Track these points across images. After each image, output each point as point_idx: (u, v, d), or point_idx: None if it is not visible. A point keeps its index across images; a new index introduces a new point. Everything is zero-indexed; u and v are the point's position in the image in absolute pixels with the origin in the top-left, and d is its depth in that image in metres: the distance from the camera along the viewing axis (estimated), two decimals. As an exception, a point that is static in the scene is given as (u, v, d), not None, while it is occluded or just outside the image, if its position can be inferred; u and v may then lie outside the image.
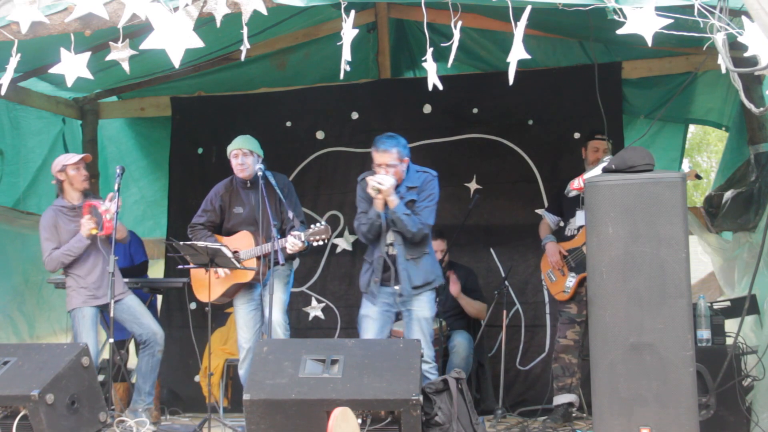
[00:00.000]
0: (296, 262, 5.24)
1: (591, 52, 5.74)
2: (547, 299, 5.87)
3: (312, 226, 4.74)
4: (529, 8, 3.35)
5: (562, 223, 5.36)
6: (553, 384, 5.24)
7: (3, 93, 3.95)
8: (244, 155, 4.96)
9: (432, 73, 3.52)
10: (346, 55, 3.52)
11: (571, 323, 5.19)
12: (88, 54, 3.85)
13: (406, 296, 4.56)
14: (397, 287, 4.58)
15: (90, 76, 3.88)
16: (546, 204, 5.82)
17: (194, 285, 5.14)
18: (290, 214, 4.89)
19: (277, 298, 4.83)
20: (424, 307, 4.58)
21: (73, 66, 3.84)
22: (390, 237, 4.59)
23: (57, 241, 4.96)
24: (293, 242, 4.71)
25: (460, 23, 3.48)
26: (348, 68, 3.54)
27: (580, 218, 5.15)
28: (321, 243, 4.75)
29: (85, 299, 4.96)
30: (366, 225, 4.61)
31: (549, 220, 5.44)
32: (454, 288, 5.59)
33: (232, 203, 5.06)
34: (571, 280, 5.12)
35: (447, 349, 5.46)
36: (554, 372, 5.24)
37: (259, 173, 4.85)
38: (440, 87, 3.52)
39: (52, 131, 6.81)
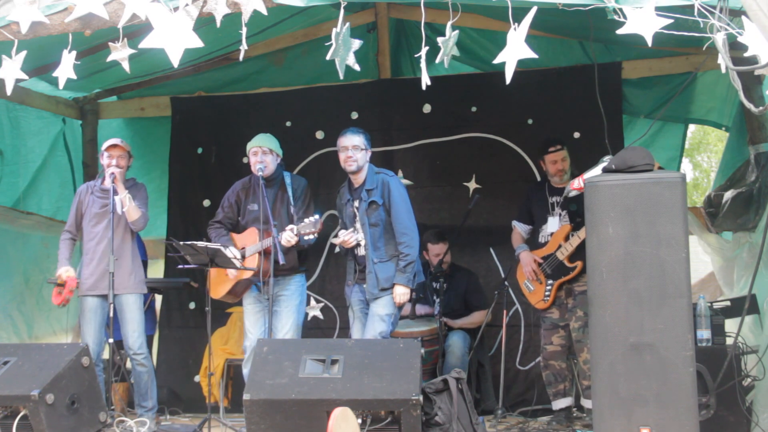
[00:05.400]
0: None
1: (591, 52, 5.73)
2: (546, 299, 5.86)
3: (305, 220, 4.74)
4: (534, 9, 3.34)
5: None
6: (547, 390, 5.24)
7: (9, 93, 3.97)
8: (263, 153, 4.96)
9: (424, 72, 3.50)
10: (334, 54, 3.51)
11: (555, 328, 5.16)
12: (73, 53, 3.84)
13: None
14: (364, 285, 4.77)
15: (74, 76, 3.86)
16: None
17: (210, 284, 5.12)
18: (292, 210, 4.90)
19: (290, 322, 4.90)
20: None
21: (65, 68, 3.84)
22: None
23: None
24: (288, 236, 4.71)
25: (449, 23, 3.46)
26: (337, 62, 3.56)
27: (551, 224, 5.16)
28: (312, 237, 4.73)
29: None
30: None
31: (520, 229, 5.41)
32: (453, 324, 5.63)
33: (248, 200, 5.08)
34: (549, 288, 5.11)
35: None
36: (546, 379, 5.22)
37: (259, 173, 4.87)
38: (428, 82, 3.49)
39: (52, 131, 6.81)
